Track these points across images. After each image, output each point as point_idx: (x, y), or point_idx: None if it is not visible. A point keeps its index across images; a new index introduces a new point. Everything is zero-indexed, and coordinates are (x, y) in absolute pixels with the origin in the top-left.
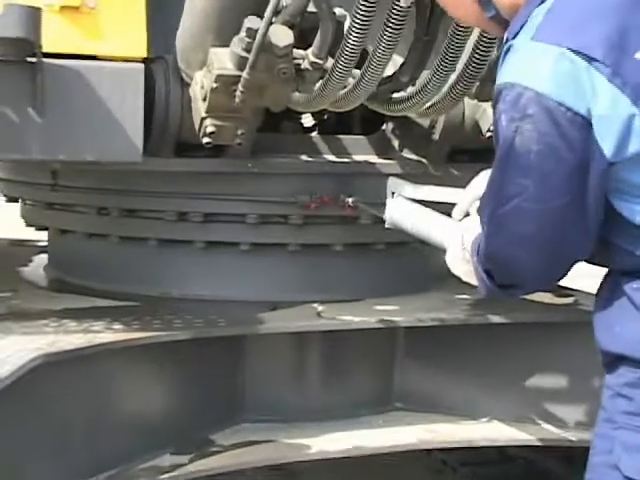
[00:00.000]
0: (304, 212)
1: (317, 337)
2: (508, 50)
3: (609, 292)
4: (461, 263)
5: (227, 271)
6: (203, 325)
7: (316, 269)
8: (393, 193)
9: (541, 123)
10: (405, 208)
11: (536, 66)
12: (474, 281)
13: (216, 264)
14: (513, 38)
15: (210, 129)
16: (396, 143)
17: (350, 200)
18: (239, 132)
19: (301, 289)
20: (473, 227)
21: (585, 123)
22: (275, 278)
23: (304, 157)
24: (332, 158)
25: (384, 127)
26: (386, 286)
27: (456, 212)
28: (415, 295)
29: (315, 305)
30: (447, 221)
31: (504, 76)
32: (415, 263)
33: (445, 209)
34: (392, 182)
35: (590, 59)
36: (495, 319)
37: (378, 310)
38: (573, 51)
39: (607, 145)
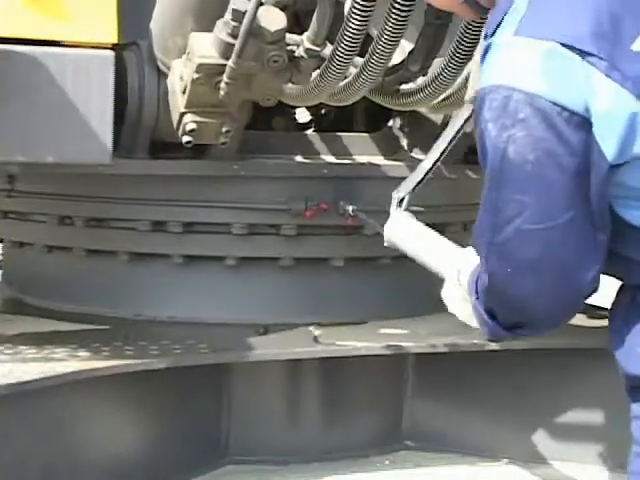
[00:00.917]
0: (298, 221)
1: (314, 365)
2: (488, 49)
3: (626, 310)
4: (458, 301)
5: (210, 289)
6: (182, 352)
7: (312, 287)
8: (401, 201)
9: (535, 127)
10: (406, 226)
11: (523, 64)
12: (473, 322)
13: (197, 281)
14: (492, 34)
15: (190, 126)
16: (404, 142)
17: (351, 208)
18: (224, 130)
19: (295, 310)
20: (472, 259)
21: (583, 122)
22: (265, 297)
23: (298, 158)
24: (331, 159)
25: (390, 123)
26: (393, 306)
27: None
28: (427, 317)
29: (311, 328)
30: (447, 248)
31: (487, 79)
32: (426, 280)
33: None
34: (401, 190)
35: (583, 53)
36: (517, 345)
37: (384, 334)
38: (564, 45)
39: (608, 146)
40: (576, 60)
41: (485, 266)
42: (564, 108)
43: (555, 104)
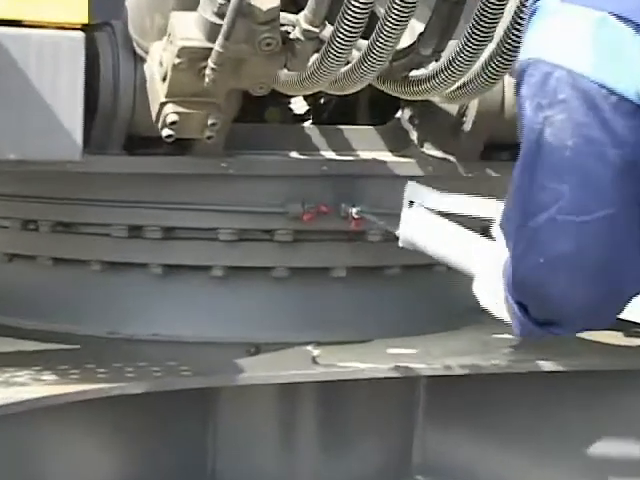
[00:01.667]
0: (295, 225)
1: (312, 390)
2: (534, 13)
3: None
4: (491, 294)
5: (194, 303)
6: (162, 375)
7: (310, 300)
8: (411, 202)
9: (576, 111)
10: (425, 222)
11: (568, 36)
12: (507, 317)
13: (179, 294)
14: None
15: (172, 118)
16: (415, 136)
17: (354, 210)
18: (209, 122)
19: (291, 326)
20: (505, 247)
21: (634, 109)
22: (257, 312)
23: (294, 154)
24: (331, 155)
25: (399, 115)
26: (403, 323)
27: (496, 229)
28: (440, 335)
29: (309, 348)
30: (479, 240)
31: (528, 50)
32: (440, 292)
33: (479, 225)
34: (411, 188)
35: (639, 26)
36: (546, 366)
37: (392, 354)
38: (617, 16)
39: None
40: (629, 34)
41: (512, 254)
42: (612, 92)
43: (602, 86)
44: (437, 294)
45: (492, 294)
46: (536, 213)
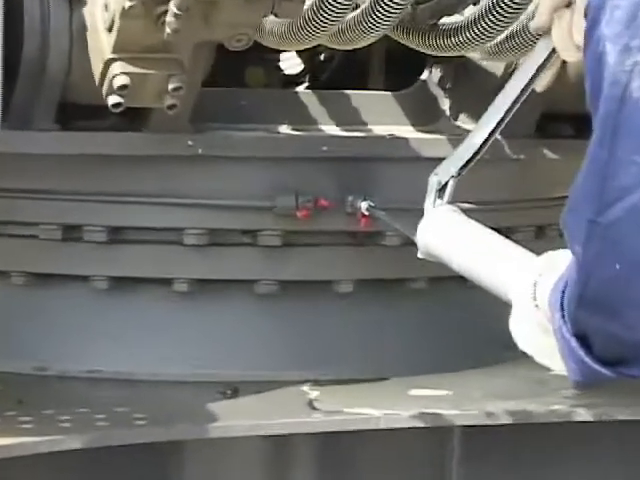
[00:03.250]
0: (285, 225)
1: (309, 444)
2: None
3: None
4: (533, 332)
5: (150, 329)
6: (108, 425)
7: (306, 325)
8: (440, 192)
9: None
10: (450, 227)
11: None
12: (556, 362)
13: (130, 317)
14: None
15: (121, 81)
16: (446, 104)
17: (364, 205)
18: (171, 86)
19: (280, 360)
20: (557, 265)
21: None
22: (234, 341)
23: (285, 129)
24: (334, 130)
25: (425, 77)
26: (429, 354)
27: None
28: (480, 370)
29: (305, 388)
30: (516, 255)
31: None
32: (479, 314)
33: None
34: (438, 177)
35: None
36: (619, 414)
37: (416, 397)
38: None
39: None
40: None
41: (580, 259)
42: None
43: None
44: (475, 316)
45: (538, 329)
46: (615, 200)
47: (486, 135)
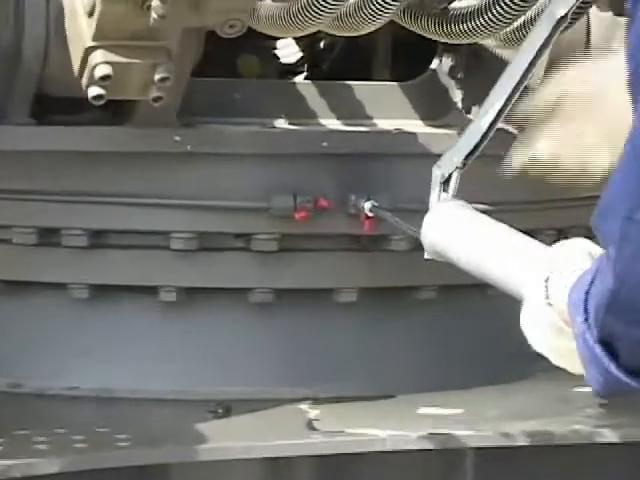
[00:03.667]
0: (282, 228)
1: (307, 467)
2: None
3: None
4: (546, 330)
5: (133, 342)
6: (88, 447)
7: (305, 337)
8: (444, 185)
9: None
10: (457, 221)
11: None
12: (575, 365)
13: (112, 328)
14: None
15: (102, 71)
16: (457, 95)
17: (368, 205)
18: (157, 77)
19: (277, 376)
20: (573, 259)
21: None
22: (227, 355)
23: (282, 123)
24: (335, 125)
25: (434, 66)
26: (439, 369)
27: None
28: (495, 387)
29: (304, 406)
30: (527, 248)
31: None
32: (494, 325)
33: None
34: (441, 169)
35: None
36: None
37: (425, 416)
38: None
39: None
40: None
41: (614, 260)
42: None
43: None
44: (490, 328)
45: (551, 330)
46: None
47: (491, 119)
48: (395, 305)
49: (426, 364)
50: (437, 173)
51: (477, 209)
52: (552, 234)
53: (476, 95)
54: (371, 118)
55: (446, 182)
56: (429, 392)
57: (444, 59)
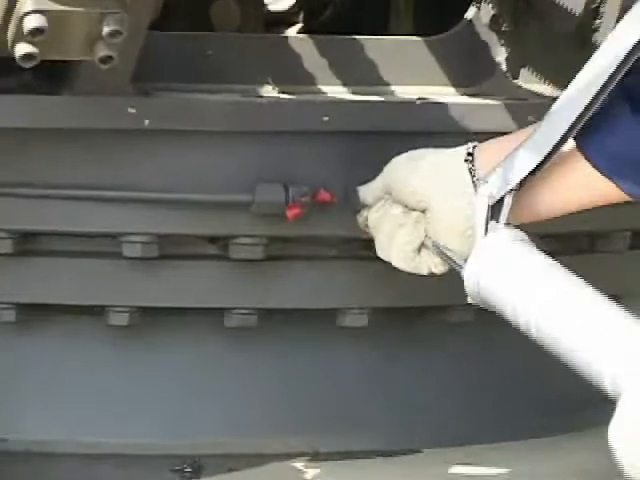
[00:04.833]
0: (271, 230)
1: None
2: None
3: None
4: None
5: (74, 379)
6: None
7: (299, 372)
8: (498, 205)
9: None
10: (517, 266)
11: None
12: None
13: (46, 360)
14: None
15: (34, 22)
16: (501, 54)
17: None
18: (106, 30)
19: (263, 423)
20: None
21: None
22: (196, 395)
23: (270, 91)
24: (340, 92)
25: (470, 15)
26: (471, 416)
27: None
28: (543, 440)
29: (299, 465)
30: (623, 321)
31: None
32: (538, 360)
33: None
34: (492, 182)
35: None
36: None
37: (456, 477)
38: None
39: None
40: None
41: None
42: None
43: None
44: (537, 362)
45: None
46: None
47: (574, 117)
48: (414, 330)
49: (456, 408)
50: (484, 191)
51: (541, 247)
52: (625, 237)
53: (526, 54)
54: (387, 84)
55: (497, 204)
56: (461, 446)
57: (483, 5)
